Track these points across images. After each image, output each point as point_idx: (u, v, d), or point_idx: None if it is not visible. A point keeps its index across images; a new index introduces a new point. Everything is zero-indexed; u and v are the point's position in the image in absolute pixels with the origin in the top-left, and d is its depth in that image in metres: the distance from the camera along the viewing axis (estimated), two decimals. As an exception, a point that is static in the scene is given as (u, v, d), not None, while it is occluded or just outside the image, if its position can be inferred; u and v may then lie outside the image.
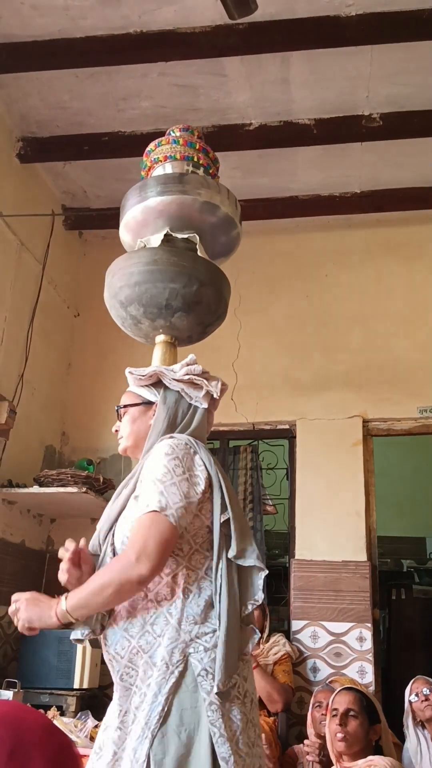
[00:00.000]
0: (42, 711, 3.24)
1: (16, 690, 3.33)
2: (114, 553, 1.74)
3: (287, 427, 4.59)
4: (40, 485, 4.01)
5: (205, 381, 1.93)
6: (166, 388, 1.95)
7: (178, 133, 2.44)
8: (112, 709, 1.66)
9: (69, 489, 3.91)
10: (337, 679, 2.87)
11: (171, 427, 1.88)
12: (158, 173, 2.39)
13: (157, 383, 1.97)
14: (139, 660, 1.62)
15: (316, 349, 4.68)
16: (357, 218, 4.87)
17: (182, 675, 1.57)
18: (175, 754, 1.49)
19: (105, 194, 4.78)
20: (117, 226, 2.46)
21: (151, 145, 2.45)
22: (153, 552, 1.58)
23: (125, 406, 1.99)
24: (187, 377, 1.93)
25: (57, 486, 3.96)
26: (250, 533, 1.79)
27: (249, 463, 4.61)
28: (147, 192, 2.30)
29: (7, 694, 3.26)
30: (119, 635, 1.67)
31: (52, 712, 3.23)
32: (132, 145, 4.11)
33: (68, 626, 1.64)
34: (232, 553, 1.69)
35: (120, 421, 2.00)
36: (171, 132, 2.46)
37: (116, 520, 1.80)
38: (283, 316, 4.81)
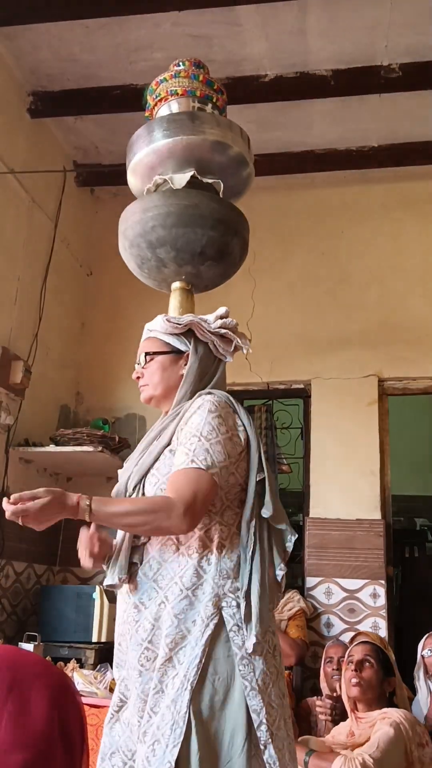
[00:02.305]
0: (62, 663, 3.31)
1: (37, 643, 3.40)
2: None
3: (302, 386, 4.57)
4: (56, 444, 4.04)
5: (236, 336, 1.90)
6: (196, 338, 1.89)
7: (186, 66, 2.30)
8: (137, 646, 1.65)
9: (85, 448, 3.94)
10: (363, 632, 2.96)
11: (200, 379, 1.85)
12: (164, 112, 2.28)
13: (186, 333, 1.89)
14: (162, 610, 1.63)
15: (332, 307, 4.62)
16: (374, 173, 4.75)
17: (217, 627, 1.58)
18: (209, 701, 1.52)
19: (117, 149, 4.68)
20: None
21: (166, 75, 2.32)
22: (198, 510, 1.58)
23: (154, 353, 1.91)
24: (223, 331, 1.88)
25: (73, 445, 3.99)
26: (278, 496, 1.78)
27: (263, 422, 4.61)
28: (155, 133, 2.18)
29: (28, 647, 3.32)
30: (148, 585, 1.66)
31: (71, 665, 3.30)
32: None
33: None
34: (267, 513, 1.69)
35: (144, 368, 1.92)
36: (181, 64, 2.32)
37: (147, 472, 1.76)
38: (298, 275, 4.75)
